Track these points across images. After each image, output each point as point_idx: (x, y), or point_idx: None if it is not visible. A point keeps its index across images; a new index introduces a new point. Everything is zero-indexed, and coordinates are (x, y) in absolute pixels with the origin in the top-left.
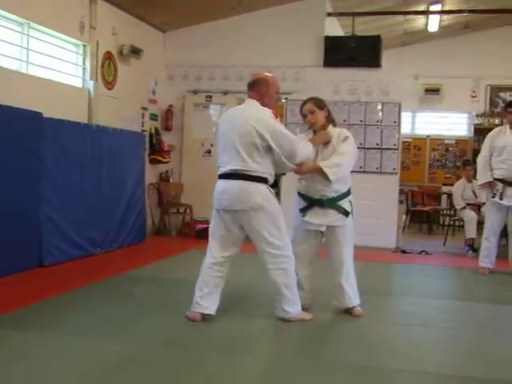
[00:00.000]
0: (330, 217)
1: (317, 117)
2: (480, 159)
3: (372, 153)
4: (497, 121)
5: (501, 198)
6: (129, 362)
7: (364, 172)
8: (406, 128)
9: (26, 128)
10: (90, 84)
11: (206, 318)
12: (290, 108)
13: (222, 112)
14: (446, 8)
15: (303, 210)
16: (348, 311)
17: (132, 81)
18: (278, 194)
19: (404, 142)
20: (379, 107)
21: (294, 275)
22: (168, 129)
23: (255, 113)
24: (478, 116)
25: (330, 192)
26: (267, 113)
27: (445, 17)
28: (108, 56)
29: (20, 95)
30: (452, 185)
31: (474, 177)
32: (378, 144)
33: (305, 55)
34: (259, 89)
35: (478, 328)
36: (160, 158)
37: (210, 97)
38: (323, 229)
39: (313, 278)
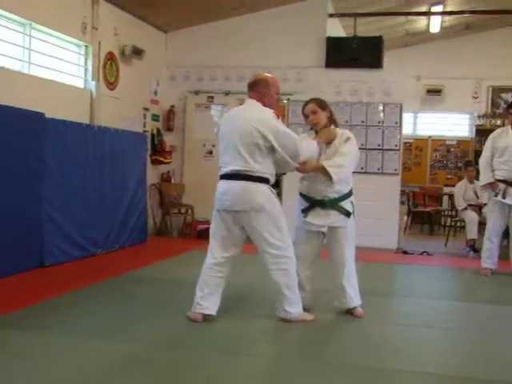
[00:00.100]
0: (332, 217)
1: (319, 117)
2: (482, 160)
3: (373, 153)
4: (498, 122)
5: (503, 197)
6: (130, 362)
7: (365, 173)
8: (407, 129)
9: (28, 128)
10: (92, 84)
11: (206, 318)
12: (292, 109)
13: (223, 112)
14: (448, 9)
15: (305, 211)
16: (349, 312)
17: (134, 81)
18: (279, 195)
19: (405, 143)
20: (381, 108)
21: (295, 276)
22: (170, 129)
23: (256, 113)
24: (479, 117)
25: (331, 193)
26: (269, 113)
27: (446, 18)
28: (110, 56)
29: (22, 96)
30: (453, 186)
31: (476, 178)
32: (379, 145)
33: (306, 56)
34: (259, 89)
35: (480, 329)
36: (162, 159)
37: (212, 97)
38: (325, 229)
39: (314, 278)
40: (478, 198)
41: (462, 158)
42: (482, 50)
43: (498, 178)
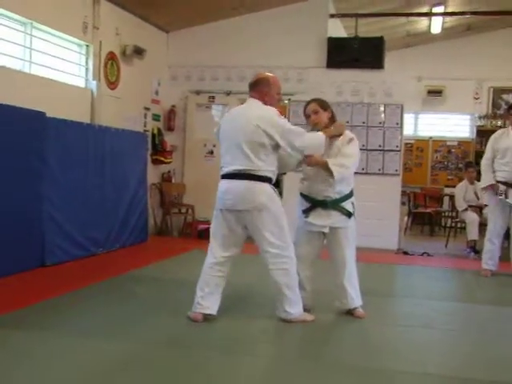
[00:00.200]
0: (333, 218)
1: (320, 117)
2: (483, 162)
3: (374, 154)
4: (499, 123)
5: (506, 197)
6: (130, 362)
7: (366, 173)
8: (408, 129)
9: (29, 128)
10: (93, 84)
11: (207, 318)
12: (293, 109)
13: (224, 113)
14: (449, 10)
15: (306, 211)
16: (350, 312)
17: (135, 81)
18: (280, 194)
19: (406, 144)
20: (382, 109)
21: (296, 276)
22: (170, 129)
23: (259, 112)
24: (480, 118)
25: (333, 193)
26: (271, 111)
27: (448, 19)
28: (111, 56)
29: (23, 95)
30: (454, 186)
31: (476, 179)
32: (380, 145)
33: (308, 56)
34: (260, 89)
35: (480, 330)
36: (162, 159)
37: (213, 97)
38: (326, 230)
39: (314, 279)
40: (478, 199)
41: (463, 158)
42: (483, 50)
43: (499, 179)
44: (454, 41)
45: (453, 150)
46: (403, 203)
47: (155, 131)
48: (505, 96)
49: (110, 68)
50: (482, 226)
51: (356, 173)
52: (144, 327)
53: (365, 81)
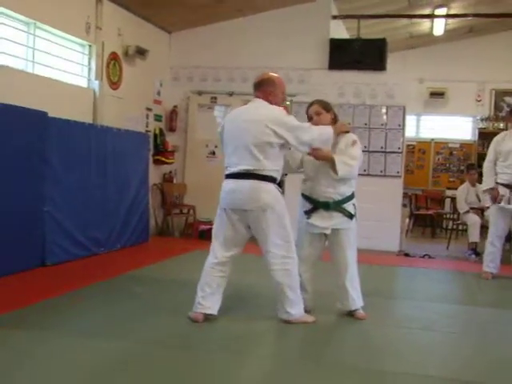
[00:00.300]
0: (335, 219)
1: (322, 118)
2: (486, 164)
3: (376, 156)
4: (501, 125)
5: (508, 202)
6: (131, 361)
7: (368, 175)
8: (410, 131)
9: (31, 127)
10: (95, 84)
11: (208, 318)
12: (295, 110)
13: (226, 113)
14: (452, 12)
15: (308, 213)
16: (351, 314)
17: (137, 81)
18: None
19: (408, 146)
20: (384, 110)
21: (297, 276)
22: (172, 129)
23: (266, 111)
24: (482, 120)
25: (335, 195)
26: (278, 110)
27: (450, 21)
28: (113, 56)
29: (25, 95)
30: (456, 189)
31: (478, 181)
32: (382, 147)
33: (310, 57)
34: (265, 88)
35: (481, 332)
36: (164, 159)
37: (215, 98)
38: (328, 231)
39: (315, 280)
40: (480, 201)
41: (465, 161)
42: (485, 53)
43: (501, 181)
44: (457, 43)
45: (455, 152)
46: (405, 205)
47: (157, 131)
48: (507, 98)
49: (112, 68)
50: (484, 228)
51: (358, 174)
52: (144, 327)
53: (367, 82)
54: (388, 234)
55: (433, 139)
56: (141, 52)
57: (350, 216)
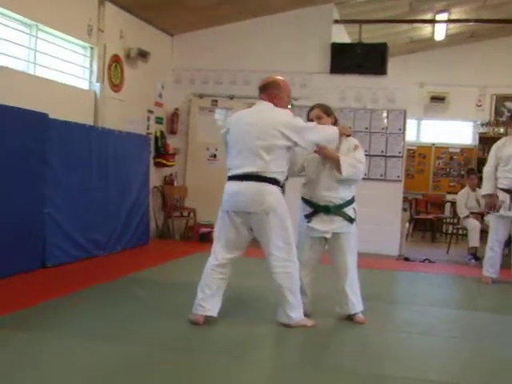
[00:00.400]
0: (336, 223)
1: (323, 123)
2: (487, 169)
3: (376, 160)
4: (502, 130)
5: (508, 209)
6: (131, 364)
7: (368, 179)
8: (410, 136)
9: (32, 129)
10: (97, 86)
11: (208, 319)
12: (296, 114)
13: (227, 116)
14: (453, 17)
15: (309, 217)
16: (350, 318)
17: (139, 84)
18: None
19: (409, 150)
20: (384, 114)
21: (298, 280)
22: (173, 132)
23: (273, 114)
24: (483, 125)
25: (336, 199)
26: (284, 112)
27: (451, 26)
28: (115, 59)
29: (27, 96)
30: (456, 193)
31: (478, 186)
32: (382, 151)
33: (311, 61)
34: (271, 91)
35: (480, 337)
36: (165, 162)
37: (216, 101)
38: (329, 235)
39: (315, 284)
40: (480, 205)
41: (465, 165)
42: (486, 58)
43: (502, 187)
44: (458, 48)
45: (455, 157)
46: (405, 209)
47: (158, 134)
48: (507, 103)
49: (114, 70)
50: (484, 232)
51: None
52: (145, 329)
53: (368, 86)
54: (388, 238)
55: (433, 144)
56: (143, 54)
57: (351, 220)
